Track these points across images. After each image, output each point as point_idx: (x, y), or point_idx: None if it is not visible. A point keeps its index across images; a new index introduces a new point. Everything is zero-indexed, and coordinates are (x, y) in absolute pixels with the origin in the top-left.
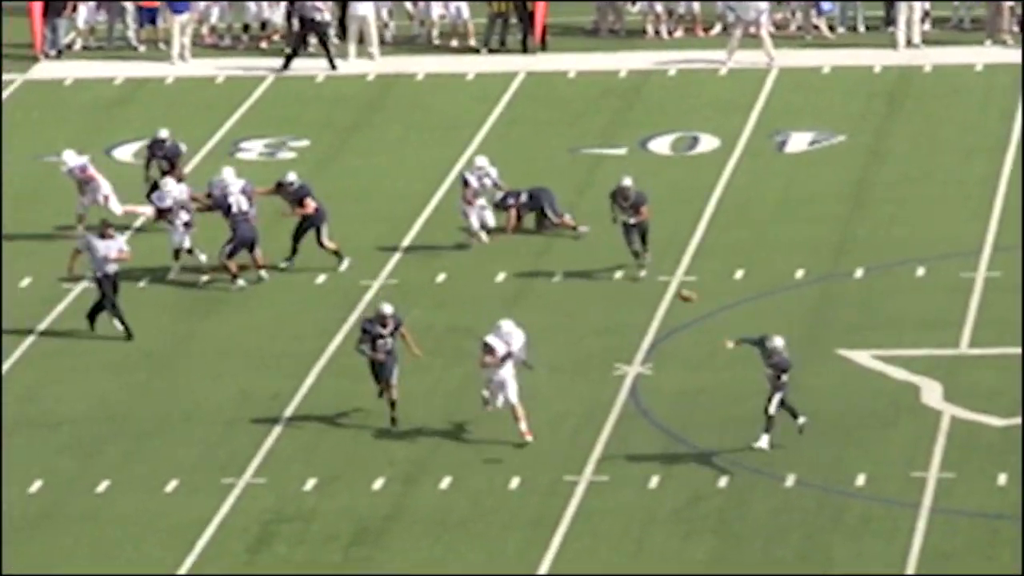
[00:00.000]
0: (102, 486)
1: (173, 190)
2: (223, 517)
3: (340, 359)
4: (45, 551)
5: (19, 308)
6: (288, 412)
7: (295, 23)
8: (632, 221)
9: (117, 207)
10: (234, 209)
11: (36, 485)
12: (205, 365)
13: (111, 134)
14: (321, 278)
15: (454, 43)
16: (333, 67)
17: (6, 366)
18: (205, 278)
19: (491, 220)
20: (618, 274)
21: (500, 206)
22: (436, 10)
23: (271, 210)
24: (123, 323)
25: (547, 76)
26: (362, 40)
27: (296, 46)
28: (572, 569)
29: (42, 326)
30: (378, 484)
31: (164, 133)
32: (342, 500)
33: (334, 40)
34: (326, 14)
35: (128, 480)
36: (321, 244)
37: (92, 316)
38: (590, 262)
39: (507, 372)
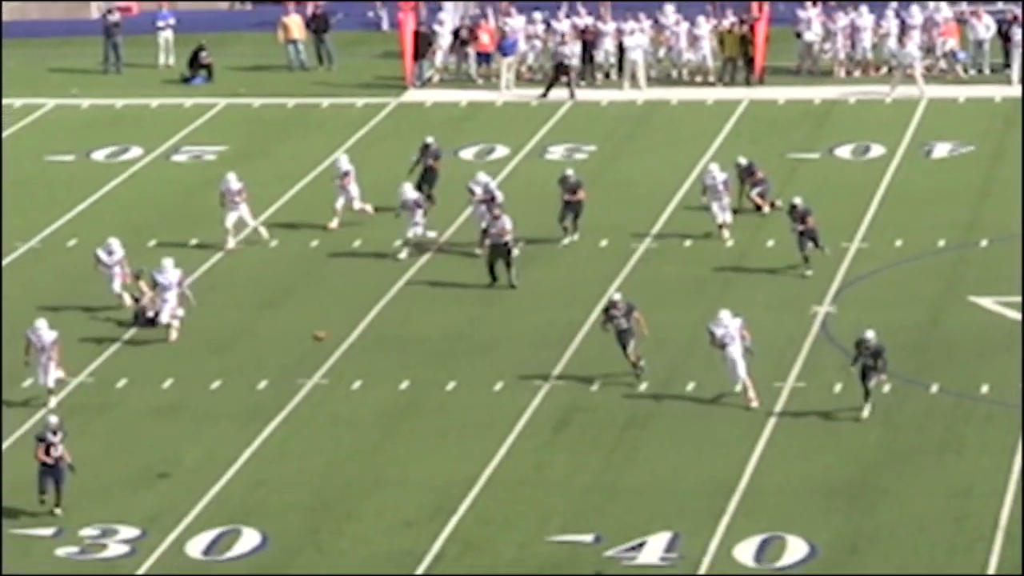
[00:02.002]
0: (450, 385)
1: (407, 192)
2: (534, 408)
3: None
4: (411, 432)
5: (390, 265)
6: (580, 335)
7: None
8: (800, 228)
9: (357, 204)
10: (498, 200)
11: (404, 384)
12: (523, 301)
13: (458, 141)
14: (603, 242)
15: (698, 79)
16: (572, 96)
17: (385, 299)
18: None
19: (729, 216)
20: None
21: (745, 171)
22: (686, 55)
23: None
24: (492, 274)
25: (763, 103)
26: (634, 76)
27: (552, 81)
28: (781, 444)
29: (407, 276)
30: (643, 387)
31: (430, 139)
32: (617, 397)
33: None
34: (574, 59)
35: (469, 381)
36: (570, 223)
37: (491, 269)
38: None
39: (735, 352)
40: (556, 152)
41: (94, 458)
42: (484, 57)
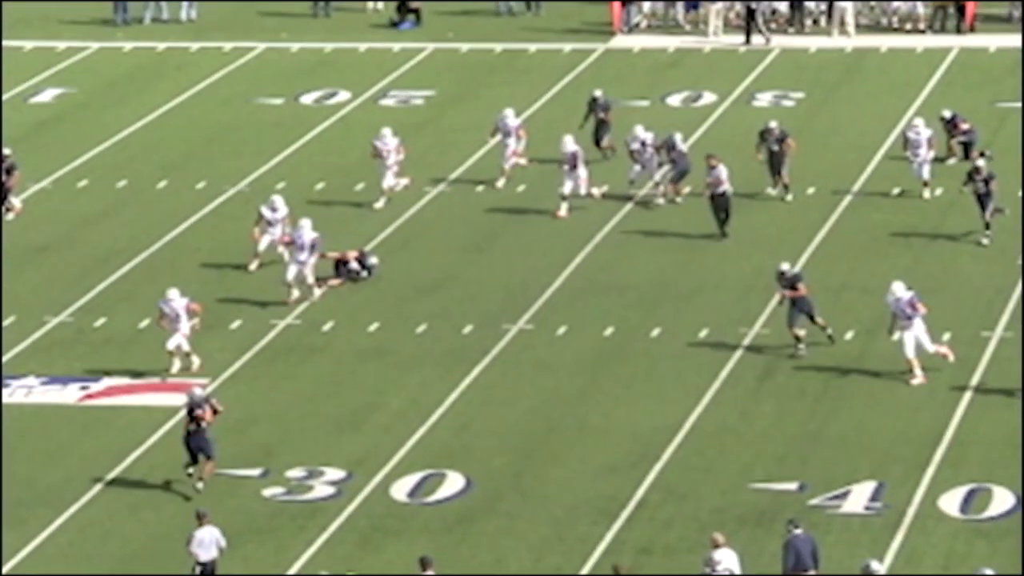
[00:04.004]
0: (655, 332)
1: (568, 144)
2: (739, 356)
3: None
4: (615, 378)
5: (593, 213)
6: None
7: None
8: (983, 192)
9: (512, 161)
10: (678, 147)
11: (609, 330)
12: (729, 249)
13: (664, 88)
14: (810, 190)
15: (908, 26)
16: (767, 41)
17: (589, 247)
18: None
19: (927, 173)
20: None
21: (949, 123)
22: (896, 2)
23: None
24: (721, 226)
25: (974, 51)
26: (843, 23)
27: (748, 29)
28: (988, 394)
29: (611, 224)
30: (849, 335)
31: (598, 92)
32: (822, 346)
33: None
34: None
35: (673, 328)
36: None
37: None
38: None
39: (918, 328)
40: (763, 99)
41: (300, 400)
42: (691, 3)
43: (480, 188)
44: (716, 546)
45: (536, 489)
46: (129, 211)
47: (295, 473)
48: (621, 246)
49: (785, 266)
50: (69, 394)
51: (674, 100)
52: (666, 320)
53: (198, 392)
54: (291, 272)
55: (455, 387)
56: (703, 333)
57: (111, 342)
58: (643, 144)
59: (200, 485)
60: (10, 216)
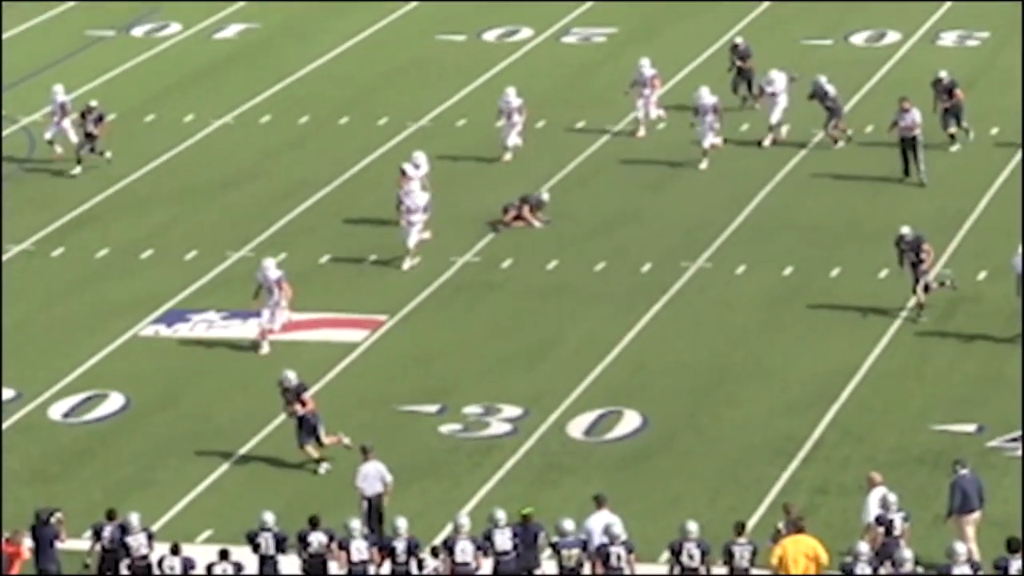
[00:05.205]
0: (834, 272)
1: (704, 96)
2: (914, 302)
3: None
4: (793, 317)
5: (772, 153)
6: (967, 224)
7: None
8: None
9: (654, 112)
10: (830, 94)
11: (788, 270)
12: (912, 189)
13: (847, 26)
14: (994, 130)
15: None
16: None
17: (769, 186)
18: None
19: None
20: None
21: None
22: None
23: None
24: (907, 168)
25: None
26: None
27: None
28: None
29: (791, 164)
30: None
31: (739, 39)
32: (1003, 287)
33: None
34: None
35: (853, 268)
36: (955, 127)
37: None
38: None
39: None
40: (948, 39)
41: (478, 337)
42: None
43: (661, 126)
44: (873, 485)
45: (712, 428)
46: (310, 147)
47: (472, 410)
48: (800, 186)
49: (905, 229)
50: (249, 329)
51: (857, 39)
52: (846, 260)
53: (291, 376)
54: (411, 238)
55: (633, 325)
56: (883, 274)
57: (291, 277)
58: (776, 86)
59: (348, 441)
60: (107, 155)
